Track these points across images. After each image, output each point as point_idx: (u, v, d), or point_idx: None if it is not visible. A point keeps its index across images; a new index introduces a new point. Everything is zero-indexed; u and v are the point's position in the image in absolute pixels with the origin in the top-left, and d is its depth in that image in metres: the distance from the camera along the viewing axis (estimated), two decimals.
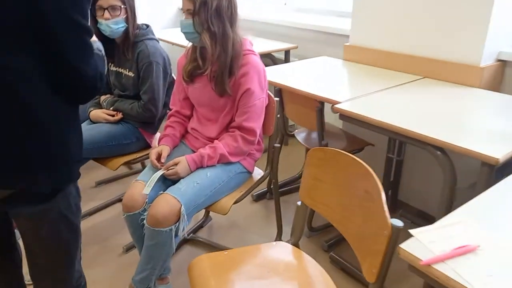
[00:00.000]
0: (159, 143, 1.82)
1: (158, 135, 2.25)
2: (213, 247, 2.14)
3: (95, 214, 2.44)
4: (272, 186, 2.31)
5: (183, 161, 1.64)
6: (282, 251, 1.43)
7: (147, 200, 1.62)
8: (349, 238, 1.22)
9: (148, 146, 2.22)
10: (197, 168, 1.66)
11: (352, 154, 1.22)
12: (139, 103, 2.09)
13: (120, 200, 2.51)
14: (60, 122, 1.06)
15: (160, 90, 2.08)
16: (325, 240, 2.13)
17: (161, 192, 1.59)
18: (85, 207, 2.36)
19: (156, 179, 1.63)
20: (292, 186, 2.67)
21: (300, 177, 2.19)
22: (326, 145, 2.04)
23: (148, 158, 1.80)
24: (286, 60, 3.04)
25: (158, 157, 1.73)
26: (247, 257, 1.40)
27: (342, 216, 1.25)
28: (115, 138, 2.07)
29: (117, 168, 2.08)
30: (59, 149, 1.07)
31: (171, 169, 1.64)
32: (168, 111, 1.96)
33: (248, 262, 1.38)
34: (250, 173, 1.82)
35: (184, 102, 1.86)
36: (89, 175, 2.78)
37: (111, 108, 2.16)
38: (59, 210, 1.14)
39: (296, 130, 2.47)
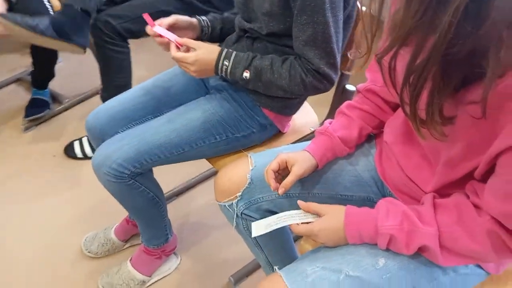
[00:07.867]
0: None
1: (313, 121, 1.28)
2: None
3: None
4: None
5: (334, 219, 0.76)
6: None
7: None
8: None
9: (279, 134, 1.29)
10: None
11: None
12: (300, 61, 1.03)
13: None
14: None
15: (334, 34, 0.98)
16: None
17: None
18: None
19: (277, 223, 0.83)
20: None
21: None
22: None
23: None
24: None
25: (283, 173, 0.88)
26: None
27: None
28: (222, 130, 1.16)
29: None
30: None
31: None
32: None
33: None
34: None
35: None
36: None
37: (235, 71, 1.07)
38: None
39: None
